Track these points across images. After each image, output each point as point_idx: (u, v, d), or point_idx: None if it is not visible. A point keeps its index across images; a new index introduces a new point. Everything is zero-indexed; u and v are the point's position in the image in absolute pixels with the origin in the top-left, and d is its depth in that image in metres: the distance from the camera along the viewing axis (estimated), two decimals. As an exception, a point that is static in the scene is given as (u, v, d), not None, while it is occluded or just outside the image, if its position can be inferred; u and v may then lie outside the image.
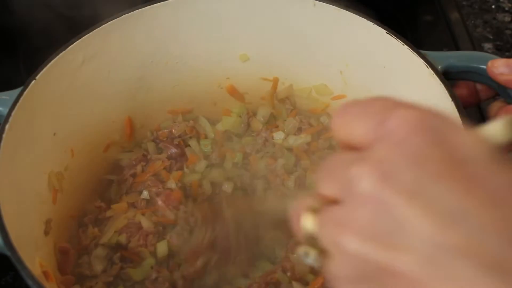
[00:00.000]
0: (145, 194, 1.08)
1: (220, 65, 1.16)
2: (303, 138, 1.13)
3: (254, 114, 1.19)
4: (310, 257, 0.47)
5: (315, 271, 0.97)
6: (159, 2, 1.04)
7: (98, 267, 0.98)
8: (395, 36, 0.96)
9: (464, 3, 1.72)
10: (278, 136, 1.14)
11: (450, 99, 0.87)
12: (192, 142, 1.17)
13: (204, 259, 0.92)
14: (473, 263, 0.38)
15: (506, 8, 1.70)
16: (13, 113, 0.87)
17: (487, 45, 1.58)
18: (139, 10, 1.03)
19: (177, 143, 1.16)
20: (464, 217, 0.39)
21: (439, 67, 0.92)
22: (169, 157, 1.14)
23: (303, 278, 0.96)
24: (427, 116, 0.43)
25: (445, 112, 0.45)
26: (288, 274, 0.95)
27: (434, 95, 0.90)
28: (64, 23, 1.31)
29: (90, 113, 1.06)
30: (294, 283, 0.94)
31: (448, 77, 0.91)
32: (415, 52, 0.94)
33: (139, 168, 1.12)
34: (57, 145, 1.00)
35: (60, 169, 1.00)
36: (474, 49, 1.51)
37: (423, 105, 0.45)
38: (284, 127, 1.15)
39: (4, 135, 0.84)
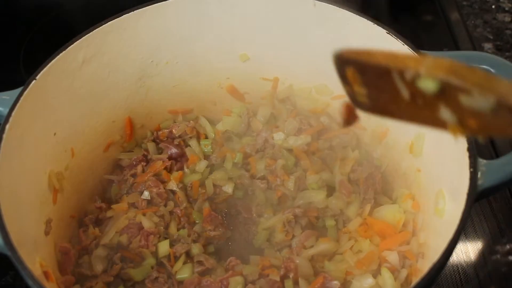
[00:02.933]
0: (146, 194, 1.08)
1: (220, 65, 1.16)
2: (303, 138, 1.13)
3: (254, 114, 1.19)
4: None
5: (317, 272, 0.97)
6: (159, 2, 1.04)
7: (99, 267, 0.98)
8: (395, 36, 0.96)
9: (464, 3, 1.72)
10: (278, 136, 1.14)
11: (450, 99, 0.87)
12: (193, 142, 1.17)
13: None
14: None
15: (506, 8, 1.70)
16: (13, 113, 0.87)
17: (487, 45, 1.58)
18: (139, 10, 1.03)
19: (177, 143, 1.16)
20: None
21: (439, 67, 0.92)
22: (170, 157, 1.14)
23: (306, 278, 0.96)
24: None
25: None
26: (291, 275, 0.95)
27: (434, 95, 0.90)
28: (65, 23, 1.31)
29: (90, 113, 1.06)
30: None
31: (448, 77, 0.91)
32: (415, 52, 0.94)
33: (139, 168, 1.12)
34: (57, 145, 1.00)
35: (60, 169, 1.00)
36: (474, 49, 1.51)
37: None
38: (284, 127, 1.15)
39: (4, 135, 0.84)
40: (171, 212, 1.07)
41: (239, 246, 1.07)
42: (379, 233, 1.00)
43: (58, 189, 0.98)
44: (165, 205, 1.08)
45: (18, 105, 0.88)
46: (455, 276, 1.12)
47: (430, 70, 0.57)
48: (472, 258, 1.15)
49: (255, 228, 1.08)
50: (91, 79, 1.03)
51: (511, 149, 1.29)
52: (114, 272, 0.98)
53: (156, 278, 0.97)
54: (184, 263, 1.00)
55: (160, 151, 1.16)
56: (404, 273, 0.94)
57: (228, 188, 1.11)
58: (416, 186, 1.00)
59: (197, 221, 1.07)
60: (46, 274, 0.84)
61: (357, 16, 1.00)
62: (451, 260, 1.11)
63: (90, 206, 1.08)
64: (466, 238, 1.17)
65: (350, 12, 1.01)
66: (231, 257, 1.00)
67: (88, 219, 1.05)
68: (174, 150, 1.14)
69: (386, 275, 0.94)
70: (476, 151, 0.81)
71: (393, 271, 0.95)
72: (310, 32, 1.08)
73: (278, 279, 0.95)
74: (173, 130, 1.16)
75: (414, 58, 0.59)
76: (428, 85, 0.57)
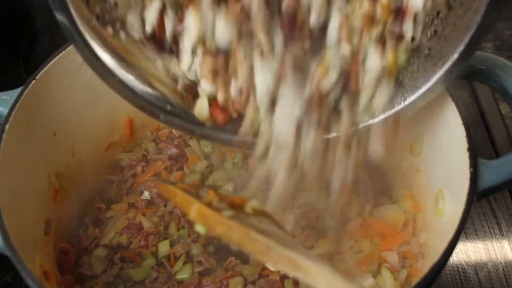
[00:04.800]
0: (146, 194, 1.08)
1: (220, 64, 1.15)
2: (303, 138, 1.12)
3: (254, 114, 1.19)
4: None
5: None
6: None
7: (98, 267, 0.98)
8: (395, 36, 0.96)
9: (464, 3, 1.72)
10: (278, 136, 1.14)
11: (451, 99, 0.87)
12: (192, 142, 1.17)
13: None
14: None
15: (506, 8, 1.70)
16: (13, 113, 0.87)
17: (487, 45, 1.58)
18: (139, 10, 1.03)
19: (177, 143, 1.16)
20: None
21: (439, 67, 0.92)
22: (170, 157, 1.14)
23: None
24: None
25: None
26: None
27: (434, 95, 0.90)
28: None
29: (90, 113, 1.06)
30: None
31: (448, 77, 0.91)
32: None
33: (139, 168, 1.12)
34: (57, 145, 1.00)
35: (60, 169, 1.00)
36: (474, 49, 1.51)
37: None
38: (284, 127, 1.15)
39: (4, 135, 0.84)
40: (171, 212, 1.07)
41: (239, 246, 1.07)
42: (379, 233, 1.00)
43: (58, 189, 0.98)
44: (165, 205, 1.08)
45: (18, 105, 0.88)
46: (455, 276, 1.12)
47: (196, 218, 0.64)
48: (472, 258, 1.15)
49: (255, 228, 1.07)
50: (91, 79, 1.03)
51: (511, 149, 1.29)
52: (114, 272, 0.98)
53: (156, 278, 0.97)
54: (184, 263, 1.00)
55: (160, 151, 1.16)
56: (404, 273, 0.94)
57: (228, 188, 1.11)
58: (416, 186, 1.00)
59: (197, 221, 1.06)
60: (46, 274, 0.84)
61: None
62: (451, 260, 1.10)
63: (90, 206, 1.08)
64: (466, 238, 1.17)
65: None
66: (231, 257, 1.00)
67: (88, 219, 1.05)
68: (174, 150, 1.14)
69: (386, 275, 0.94)
70: (476, 151, 0.81)
71: (393, 271, 0.95)
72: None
73: (278, 279, 0.95)
74: (173, 130, 1.16)
75: (191, 204, 0.65)
76: (198, 228, 0.65)
